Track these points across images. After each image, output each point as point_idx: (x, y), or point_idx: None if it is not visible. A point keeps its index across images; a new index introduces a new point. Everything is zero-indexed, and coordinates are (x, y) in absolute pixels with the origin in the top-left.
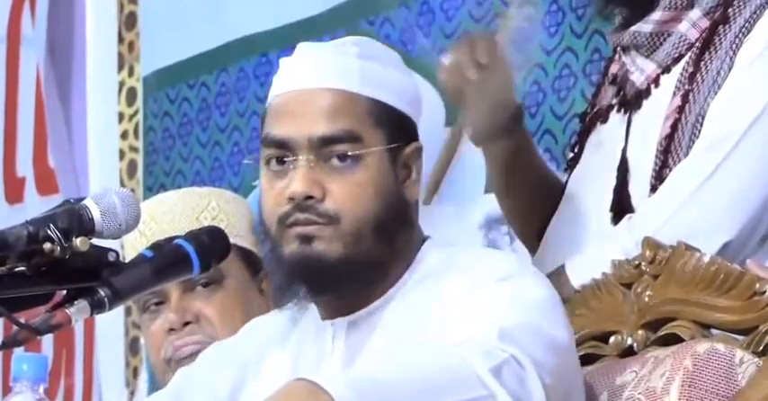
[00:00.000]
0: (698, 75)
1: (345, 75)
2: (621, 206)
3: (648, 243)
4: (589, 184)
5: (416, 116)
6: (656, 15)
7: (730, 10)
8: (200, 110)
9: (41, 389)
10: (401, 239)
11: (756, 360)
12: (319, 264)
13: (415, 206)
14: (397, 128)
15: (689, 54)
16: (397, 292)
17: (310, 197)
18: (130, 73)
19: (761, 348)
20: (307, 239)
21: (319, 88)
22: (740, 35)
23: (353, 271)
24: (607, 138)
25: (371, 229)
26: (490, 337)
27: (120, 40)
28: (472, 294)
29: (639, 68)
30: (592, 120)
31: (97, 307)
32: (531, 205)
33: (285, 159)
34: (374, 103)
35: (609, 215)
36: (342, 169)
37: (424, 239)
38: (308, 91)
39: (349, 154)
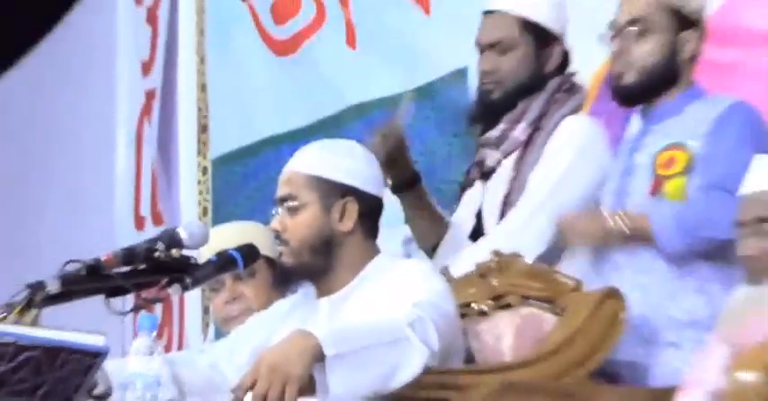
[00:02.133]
0: (523, 159)
1: (300, 161)
2: (478, 236)
3: (495, 252)
4: (463, 223)
5: (361, 183)
6: (501, 126)
7: (543, 121)
8: (244, 181)
9: (154, 335)
10: (336, 253)
11: (556, 318)
12: (283, 268)
13: (352, 233)
14: (331, 191)
15: (519, 148)
16: (359, 283)
17: (277, 230)
18: (203, 156)
19: (557, 311)
20: (280, 255)
21: (288, 170)
22: (547, 136)
23: (302, 271)
24: (472, 197)
25: (307, 249)
26: (410, 306)
27: (198, 139)
28: (403, 285)
29: (491, 156)
30: (464, 186)
31: (184, 288)
32: (429, 232)
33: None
34: (313, 177)
35: (470, 240)
36: (292, 215)
37: (378, 252)
38: (284, 172)
39: (290, 207)
